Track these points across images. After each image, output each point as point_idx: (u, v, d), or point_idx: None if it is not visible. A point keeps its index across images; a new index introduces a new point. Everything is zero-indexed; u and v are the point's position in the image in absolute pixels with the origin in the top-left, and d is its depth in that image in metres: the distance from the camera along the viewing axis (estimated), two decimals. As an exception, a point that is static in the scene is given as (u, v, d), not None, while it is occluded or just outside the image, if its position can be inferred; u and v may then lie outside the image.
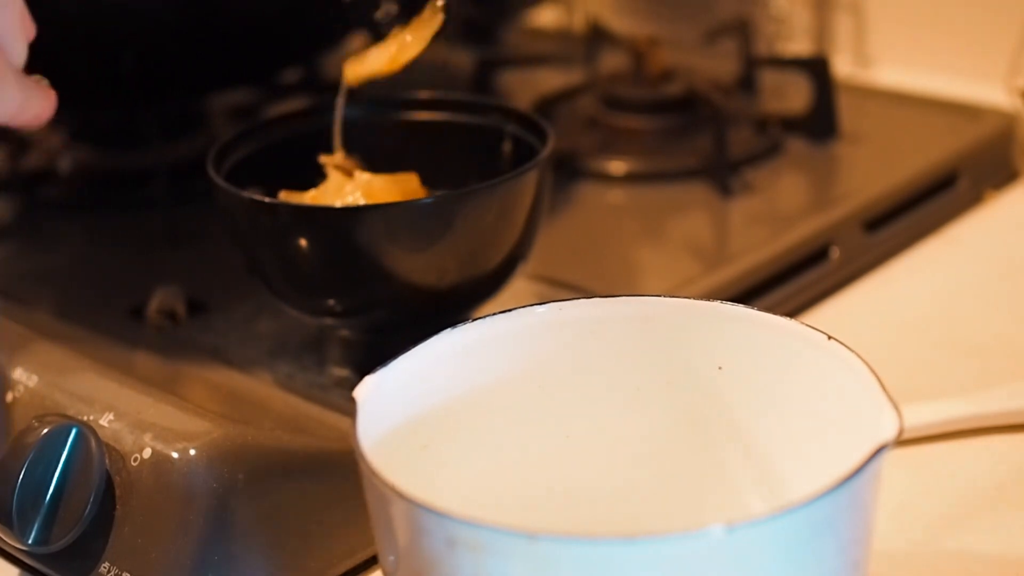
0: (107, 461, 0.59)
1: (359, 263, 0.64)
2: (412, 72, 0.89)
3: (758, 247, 0.79)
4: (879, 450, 0.46)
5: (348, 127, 0.73)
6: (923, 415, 0.67)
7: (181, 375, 0.71)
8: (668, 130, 0.93)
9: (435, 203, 0.65)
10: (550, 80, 1.00)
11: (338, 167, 0.69)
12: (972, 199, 0.89)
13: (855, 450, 0.47)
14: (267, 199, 0.66)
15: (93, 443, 0.59)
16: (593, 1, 1.13)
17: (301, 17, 0.84)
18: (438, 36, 0.68)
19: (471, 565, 0.45)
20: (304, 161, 0.70)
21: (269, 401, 0.68)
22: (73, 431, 0.59)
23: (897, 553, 0.60)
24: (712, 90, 0.93)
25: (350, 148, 0.71)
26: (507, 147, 0.71)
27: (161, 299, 0.74)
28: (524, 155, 0.69)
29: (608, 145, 0.92)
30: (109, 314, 0.75)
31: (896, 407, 0.48)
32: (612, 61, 1.00)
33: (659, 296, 0.57)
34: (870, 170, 0.89)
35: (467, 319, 0.57)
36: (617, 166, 0.90)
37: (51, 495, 0.58)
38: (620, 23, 1.11)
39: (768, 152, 0.90)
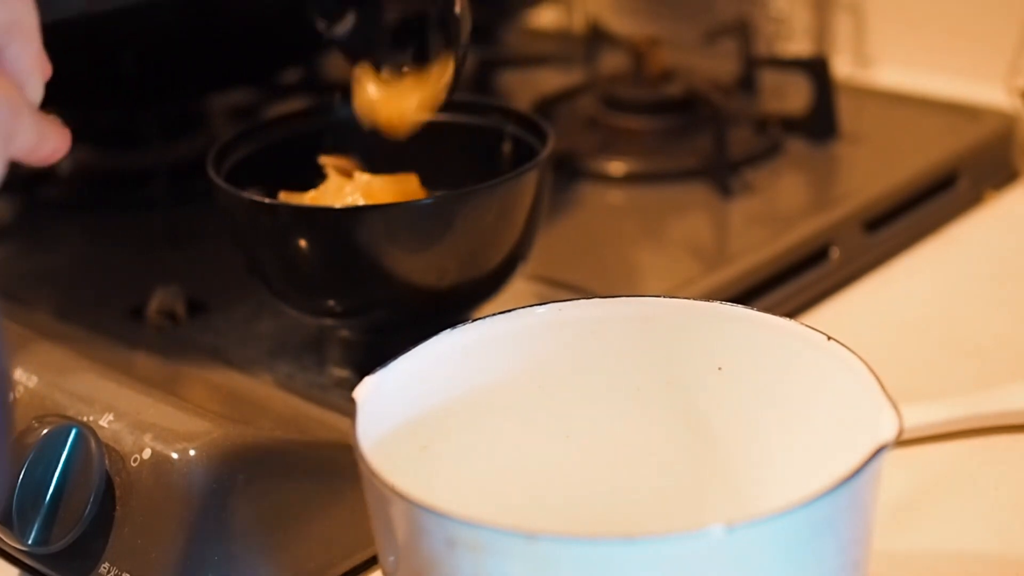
0: (107, 461, 0.59)
1: (359, 263, 0.64)
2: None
3: (758, 247, 0.79)
4: (879, 450, 0.46)
5: (348, 127, 0.73)
6: (923, 415, 0.67)
7: (181, 375, 0.71)
8: (668, 130, 0.93)
9: (435, 203, 0.65)
10: (550, 80, 1.00)
11: (338, 168, 0.69)
12: (972, 199, 0.89)
13: (855, 450, 0.47)
14: (267, 199, 0.66)
15: (93, 443, 0.59)
16: (593, 1, 1.13)
17: (301, 17, 0.84)
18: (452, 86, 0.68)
19: (471, 565, 0.45)
20: (304, 161, 0.70)
21: (269, 401, 0.68)
22: (73, 431, 0.59)
23: (897, 553, 0.60)
24: (712, 90, 0.93)
25: (350, 148, 0.71)
26: (507, 147, 0.71)
27: (161, 299, 0.74)
28: (524, 155, 0.69)
29: (608, 145, 0.92)
30: (109, 314, 0.75)
31: (896, 407, 0.48)
32: (612, 61, 1.00)
33: (659, 296, 0.57)
34: (870, 170, 0.89)
35: (467, 319, 0.57)
36: (617, 166, 0.90)
37: (51, 495, 0.58)
38: (620, 23, 1.11)
39: (768, 152, 0.90)
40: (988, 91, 0.95)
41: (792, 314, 0.77)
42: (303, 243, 0.65)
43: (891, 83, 1.02)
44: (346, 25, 0.70)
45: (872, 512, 0.48)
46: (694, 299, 0.56)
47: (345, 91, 0.96)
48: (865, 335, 0.67)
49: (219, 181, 0.66)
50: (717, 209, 0.86)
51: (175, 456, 0.58)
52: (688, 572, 0.44)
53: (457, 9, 0.66)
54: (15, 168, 0.93)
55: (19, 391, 0.63)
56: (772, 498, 0.55)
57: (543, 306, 0.57)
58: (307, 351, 0.71)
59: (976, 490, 0.64)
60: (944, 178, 0.88)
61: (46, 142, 0.55)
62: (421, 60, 0.68)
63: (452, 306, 0.67)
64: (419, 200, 0.65)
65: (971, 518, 0.62)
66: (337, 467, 0.60)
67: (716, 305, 0.56)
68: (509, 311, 0.57)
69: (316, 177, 0.69)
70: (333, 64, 1.01)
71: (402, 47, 0.69)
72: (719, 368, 0.56)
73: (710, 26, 1.03)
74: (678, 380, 0.57)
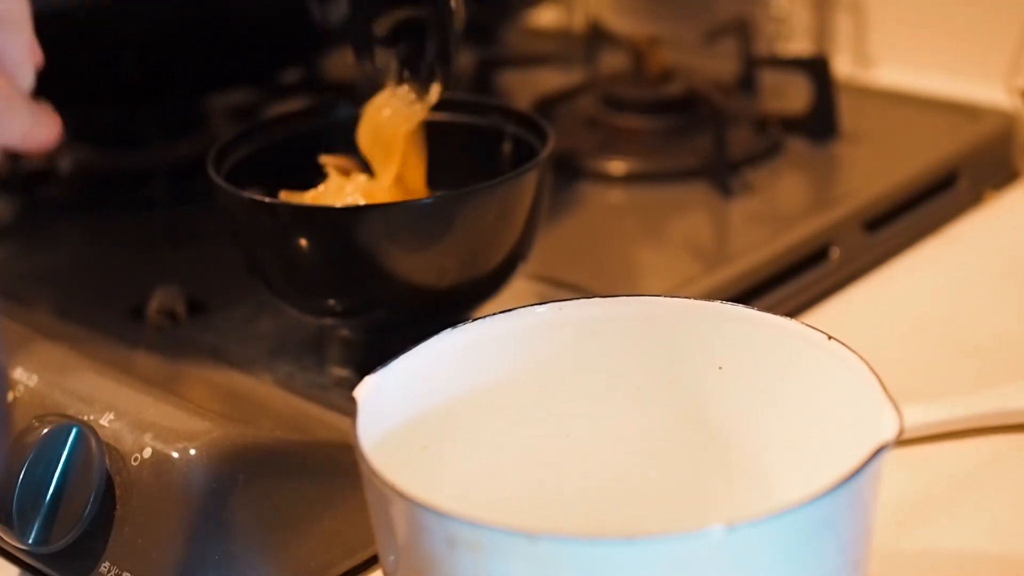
0: (107, 461, 0.59)
1: (359, 263, 0.64)
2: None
3: (758, 247, 0.79)
4: (879, 450, 0.46)
5: (348, 127, 0.73)
6: (923, 415, 0.67)
7: (181, 375, 0.71)
8: (668, 130, 0.93)
9: (435, 203, 0.65)
10: (550, 80, 1.00)
11: (338, 167, 0.69)
12: (972, 199, 0.89)
13: (855, 450, 0.47)
14: (267, 199, 0.66)
15: (93, 443, 0.59)
16: (593, 1, 1.13)
17: (301, 17, 0.84)
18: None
19: (471, 565, 0.45)
20: (304, 161, 0.70)
21: (269, 401, 0.67)
22: (73, 431, 0.59)
23: (897, 553, 0.60)
24: (712, 90, 0.93)
25: (350, 148, 0.71)
26: (507, 147, 0.71)
27: (161, 299, 0.74)
28: (524, 155, 0.69)
29: (608, 145, 0.92)
30: (109, 314, 0.75)
31: (896, 407, 0.48)
32: (612, 61, 1.00)
33: (659, 296, 0.57)
34: (870, 170, 0.89)
35: (467, 319, 0.57)
36: (617, 166, 0.90)
37: (51, 495, 0.58)
38: (620, 23, 1.11)
39: (768, 152, 0.90)
40: (988, 91, 0.95)
41: (792, 313, 0.77)
42: (303, 243, 0.65)
43: (891, 83, 1.02)
44: (340, 11, 0.70)
45: (872, 512, 0.48)
46: (694, 298, 0.56)
47: (345, 91, 0.96)
48: (865, 335, 0.67)
49: (219, 181, 0.66)
50: (717, 209, 0.86)
51: (175, 455, 0.58)
52: (688, 572, 0.44)
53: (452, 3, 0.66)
54: (15, 168, 0.94)
55: (19, 390, 0.63)
56: (772, 498, 0.55)
57: (543, 306, 0.57)
58: (307, 351, 0.71)
59: (976, 490, 0.64)
60: (944, 178, 0.88)
61: (38, 131, 0.55)
62: (418, 57, 0.68)
63: (452, 306, 0.67)
64: (419, 200, 0.65)
65: (971, 518, 0.62)
66: (337, 466, 0.60)
67: (716, 304, 0.56)
68: (509, 311, 0.57)
69: (316, 177, 0.69)
70: (333, 64, 1.01)
71: (399, 42, 0.69)
72: (719, 367, 0.56)
73: (710, 26, 1.03)
74: (679, 379, 0.57)
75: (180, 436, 0.59)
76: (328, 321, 0.69)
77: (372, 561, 0.61)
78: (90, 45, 0.81)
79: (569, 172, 0.89)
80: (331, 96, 0.94)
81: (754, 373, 0.55)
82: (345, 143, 0.71)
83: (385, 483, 0.47)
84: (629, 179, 0.89)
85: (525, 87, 1.00)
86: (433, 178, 0.69)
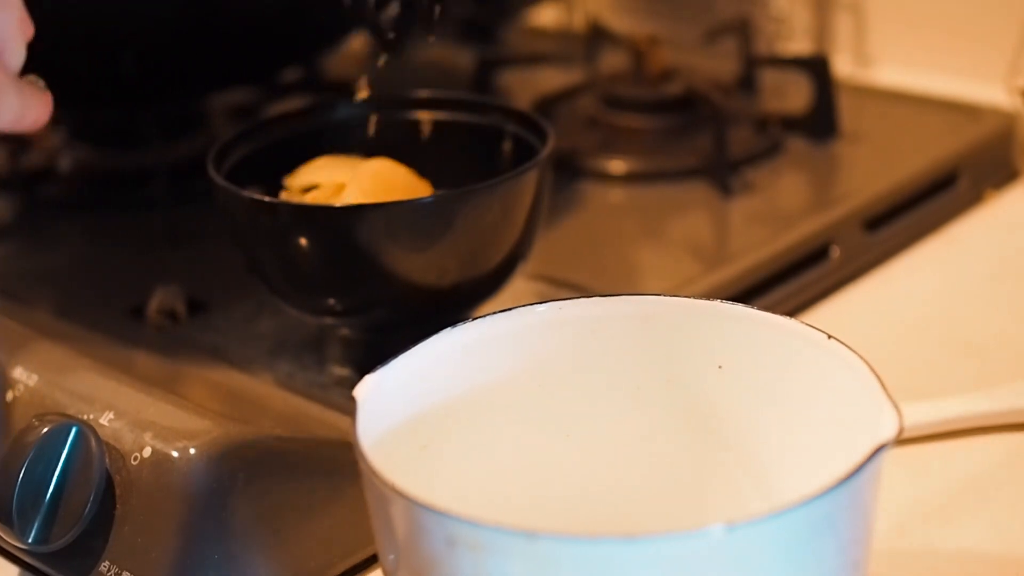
0: (107, 460, 0.59)
1: (359, 262, 0.64)
2: (413, 71, 0.89)
3: (758, 246, 0.79)
4: (879, 449, 0.46)
5: (348, 126, 0.73)
6: (923, 414, 0.67)
7: (181, 374, 0.71)
8: (668, 130, 0.93)
9: (435, 202, 0.65)
10: (550, 79, 1.00)
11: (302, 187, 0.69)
12: (972, 199, 0.89)
13: (855, 449, 0.47)
14: (267, 198, 0.66)
15: (93, 442, 0.59)
16: (593, 0, 1.13)
17: (301, 17, 0.84)
18: None
19: (471, 564, 0.45)
20: (304, 161, 0.70)
21: (269, 400, 0.68)
22: (73, 430, 0.59)
23: (897, 553, 0.60)
24: (712, 90, 0.93)
25: (350, 148, 0.71)
26: (507, 146, 0.71)
27: (161, 298, 0.74)
28: (524, 154, 0.69)
29: (608, 144, 0.92)
30: (109, 313, 0.75)
31: (896, 406, 0.48)
32: (612, 60, 1.00)
33: (659, 295, 0.57)
34: (870, 170, 0.89)
35: (467, 318, 0.56)
36: (617, 165, 0.90)
37: (51, 494, 0.58)
38: (620, 22, 1.11)
39: (768, 152, 0.90)
40: (988, 90, 0.95)
41: (792, 313, 0.77)
42: (303, 242, 0.65)
43: (891, 82, 1.02)
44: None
45: (872, 511, 0.48)
46: (694, 298, 0.56)
47: (345, 91, 0.97)
48: (865, 334, 0.67)
49: (219, 180, 0.66)
50: (717, 208, 0.86)
51: (175, 455, 0.58)
52: (688, 571, 0.44)
53: None
54: (15, 167, 0.94)
55: (19, 390, 0.63)
56: (772, 497, 0.55)
57: (543, 305, 0.57)
58: (307, 350, 0.71)
59: (976, 490, 0.64)
60: (944, 177, 0.88)
61: (29, 112, 0.54)
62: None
63: (452, 305, 0.67)
64: (419, 199, 0.65)
65: (971, 518, 0.62)
66: (337, 466, 0.60)
67: (716, 304, 0.56)
68: (509, 310, 0.57)
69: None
70: (333, 64, 1.01)
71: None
72: (719, 367, 0.56)
73: (710, 25, 1.03)
74: (678, 378, 0.57)
75: (180, 435, 0.59)
76: (328, 320, 0.69)
77: (372, 560, 0.61)
78: (90, 45, 0.81)
79: (569, 171, 0.89)
80: (331, 96, 0.93)
81: (754, 372, 0.55)
82: (345, 143, 0.71)
83: (385, 482, 0.47)
84: (629, 178, 0.89)
85: (525, 86, 1.00)
86: (433, 177, 0.69)
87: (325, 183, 0.68)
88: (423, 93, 0.75)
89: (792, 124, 0.93)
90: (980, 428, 0.67)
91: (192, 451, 0.58)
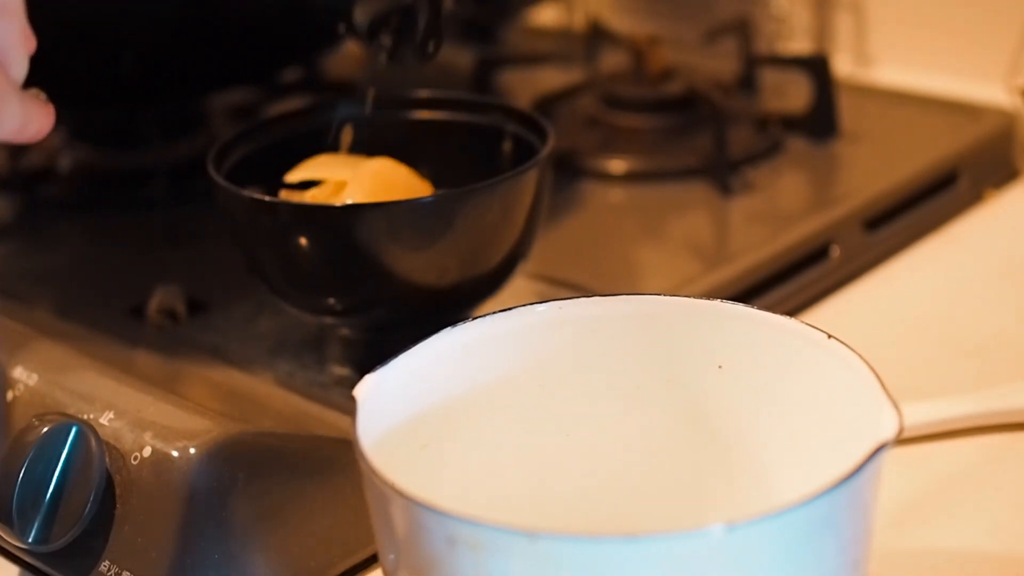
0: (107, 460, 0.59)
1: (359, 262, 0.64)
2: (413, 71, 0.89)
3: (758, 246, 0.79)
4: (879, 449, 0.46)
5: (348, 126, 0.73)
6: (923, 414, 0.67)
7: (181, 374, 0.71)
8: (668, 129, 0.93)
9: (436, 202, 0.65)
10: (550, 79, 1.00)
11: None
12: (972, 198, 0.89)
13: (855, 449, 0.47)
14: (267, 198, 0.66)
15: (93, 442, 0.59)
16: (593, 0, 1.13)
17: (301, 17, 0.84)
18: None
19: (471, 564, 0.45)
20: (304, 160, 0.70)
21: (269, 400, 0.68)
22: (73, 430, 0.59)
23: (897, 553, 0.60)
24: (712, 89, 0.93)
25: (350, 147, 0.71)
26: (507, 146, 0.71)
27: (161, 298, 0.74)
28: (524, 154, 0.69)
29: (608, 144, 0.92)
30: (109, 313, 0.75)
31: (896, 406, 0.48)
32: (612, 60, 1.00)
33: (659, 295, 0.57)
34: (870, 169, 0.89)
35: (467, 318, 0.56)
36: (617, 165, 0.90)
37: (51, 494, 0.58)
38: (620, 22, 1.11)
39: (768, 151, 0.90)
40: (988, 90, 0.95)
41: (792, 312, 0.77)
42: (303, 241, 0.65)
43: (891, 82, 1.02)
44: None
45: (872, 511, 0.48)
46: (694, 297, 0.56)
47: (345, 90, 0.96)
48: (865, 333, 0.67)
49: (219, 180, 0.66)
50: (717, 208, 0.86)
51: (175, 454, 0.58)
52: (688, 571, 0.44)
53: None
54: (15, 167, 0.94)
55: (19, 389, 0.63)
56: (772, 497, 0.55)
57: (543, 304, 0.57)
58: (307, 349, 0.71)
59: (976, 489, 0.64)
60: (944, 177, 0.88)
61: (31, 122, 0.54)
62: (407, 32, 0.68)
63: (452, 304, 0.67)
64: (420, 198, 0.65)
65: (971, 518, 0.62)
66: (337, 465, 0.60)
67: (716, 303, 0.56)
68: (509, 309, 0.57)
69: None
70: (333, 64, 1.01)
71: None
72: (719, 366, 0.56)
73: (710, 25, 1.03)
74: (678, 378, 0.57)
75: (180, 435, 0.59)
76: (328, 320, 0.69)
77: (372, 560, 0.61)
78: (90, 45, 0.81)
79: (569, 171, 0.89)
80: (331, 96, 0.94)
81: (754, 372, 0.55)
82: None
83: (385, 482, 0.47)
84: (629, 178, 0.89)
85: (525, 86, 1.00)
86: (434, 177, 0.69)
87: (326, 181, 0.68)
88: (423, 93, 0.75)
89: (792, 124, 0.93)
90: (980, 428, 0.67)
91: (192, 451, 0.58)
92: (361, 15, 0.68)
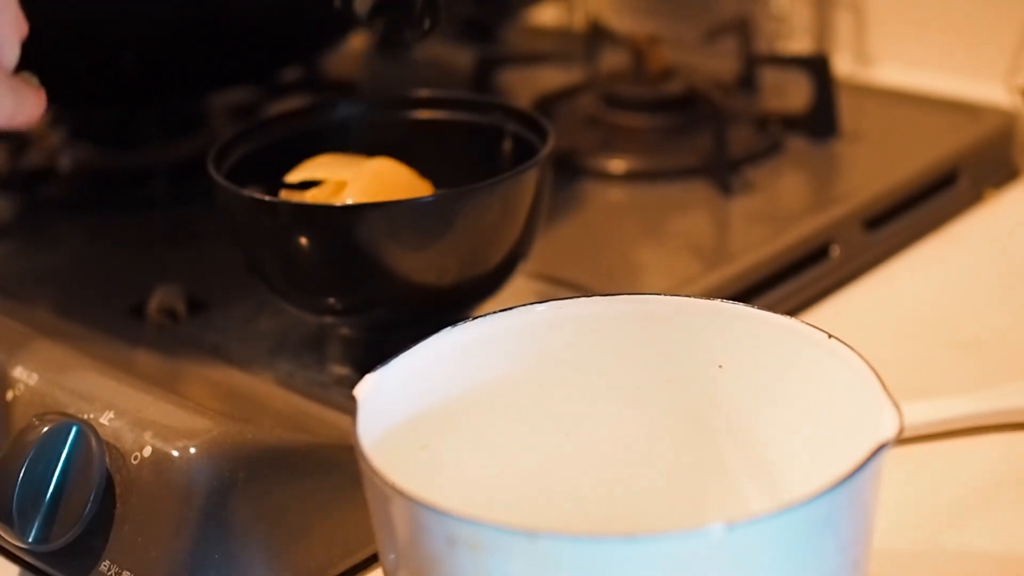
0: (107, 459, 0.59)
1: (359, 261, 0.64)
2: (413, 71, 0.89)
3: (758, 246, 0.79)
4: (879, 448, 0.46)
5: (349, 125, 0.73)
6: (923, 413, 0.67)
7: (181, 373, 0.71)
8: (668, 128, 0.93)
9: (436, 201, 0.65)
10: (550, 78, 1.00)
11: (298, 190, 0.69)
12: (972, 198, 0.89)
13: (855, 448, 0.47)
14: (267, 198, 0.66)
15: (93, 441, 0.59)
16: (593, 0, 1.13)
17: (301, 17, 0.84)
18: None
19: (471, 564, 0.45)
20: (304, 160, 0.70)
21: (269, 399, 0.68)
22: (73, 429, 0.59)
23: (897, 552, 0.60)
24: (712, 88, 0.93)
25: (351, 147, 0.71)
26: (507, 145, 0.71)
27: (161, 298, 0.74)
28: (524, 153, 0.69)
29: (608, 143, 0.92)
30: (109, 313, 0.75)
31: (896, 405, 0.48)
32: (612, 59, 1.00)
33: (659, 294, 0.57)
34: (870, 168, 0.89)
35: (467, 317, 0.56)
36: (617, 164, 0.90)
37: (51, 493, 0.58)
38: (620, 21, 1.11)
39: (768, 151, 0.90)
40: (988, 89, 0.95)
41: (793, 312, 0.77)
42: (303, 241, 0.65)
43: (892, 81, 1.02)
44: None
45: (872, 511, 0.48)
46: (695, 297, 0.56)
47: (345, 90, 0.96)
48: (866, 333, 0.67)
49: (219, 179, 0.66)
50: (718, 207, 0.86)
51: (175, 454, 0.58)
52: (688, 571, 0.44)
53: None
54: (15, 167, 0.94)
55: (19, 389, 0.63)
56: (772, 496, 0.55)
57: (543, 304, 0.57)
58: (307, 349, 0.71)
59: (976, 489, 0.64)
60: (944, 176, 0.88)
61: (23, 109, 0.54)
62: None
63: (453, 304, 0.67)
64: (420, 198, 0.65)
65: (972, 517, 0.62)
66: (337, 465, 0.60)
67: (717, 303, 0.56)
68: (509, 309, 0.57)
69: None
70: (333, 63, 1.01)
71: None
72: (720, 366, 0.56)
73: (710, 24, 1.03)
74: (678, 378, 0.57)
75: (180, 434, 0.59)
76: (328, 319, 0.69)
77: (372, 560, 0.61)
78: (90, 45, 0.81)
79: (569, 170, 0.89)
80: (331, 95, 0.94)
81: (754, 372, 0.55)
82: (345, 142, 0.71)
83: (385, 482, 0.47)
84: (629, 177, 0.89)
85: (525, 85, 1.00)
86: (434, 176, 0.69)
87: (326, 181, 0.68)
88: (423, 93, 0.75)
89: (792, 123, 0.93)
90: (980, 428, 0.67)
91: (192, 450, 0.58)
92: None
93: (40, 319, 0.75)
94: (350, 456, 0.49)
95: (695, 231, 0.85)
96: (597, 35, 1.02)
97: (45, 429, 0.58)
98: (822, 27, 1.08)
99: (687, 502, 0.57)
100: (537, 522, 0.48)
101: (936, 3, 1.03)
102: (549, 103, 0.95)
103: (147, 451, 0.59)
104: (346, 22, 0.89)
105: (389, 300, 0.66)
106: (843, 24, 1.08)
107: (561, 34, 1.14)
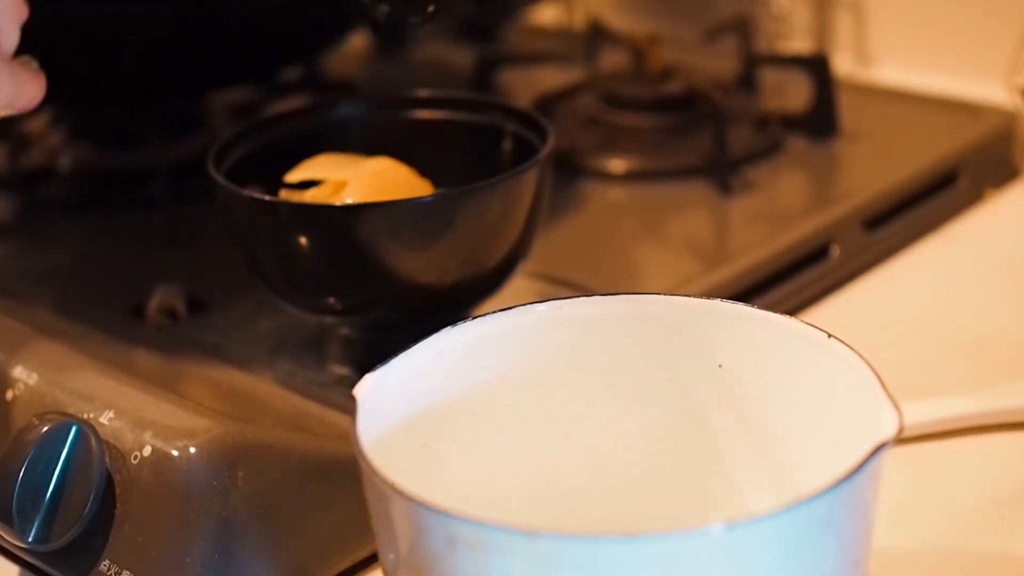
0: (107, 459, 0.59)
1: (359, 261, 0.64)
2: (413, 71, 0.89)
3: (758, 245, 0.79)
4: (879, 448, 0.46)
5: (349, 125, 0.73)
6: (923, 413, 0.67)
7: (181, 373, 0.71)
8: (668, 128, 0.93)
9: (436, 201, 0.65)
10: (550, 78, 1.00)
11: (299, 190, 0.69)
12: (972, 197, 0.89)
13: (855, 448, 0.47)
14: (267, 197, 0.66)
15: (93, 441, 0.59)
16: (593, 0, 1.13)
17: (301, 17, 0.84)
18: None
19: (471, 563, 0.45)
20: (304, 160, 0.70)
21: (269, 399, 0.68)
22: (73, 429, 0.59)
23: (897, 552, 0.60)
24: (712, 88, 0.93)
25: (351, 147, 0.71)
26: (507, 145, 0.71)
27: (161, 298, 0.74)
28: (524, 153, 0.69)
29: (608, 143, 0.92)
30: (109, 312, 0.75)
31: (896, 405, 0.48)
32: (612, 59, 1.00)
33: (659, 294, 0.57)
34: (870, 168, 0.89)
35: (467, 317, 0.57)
36: (617, 164, 0.90)
37: (51, 493, 0.58)
38: (620, 21, 1.11)
39: (768, 150, 0.90)
40: (989, 89, 0.95)
41: (792, 312, 0.76)
42: (303, 241, 0.65)
43: (892, 81, 1.02)
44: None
45: (872, 510, 0.48)
46: (694, 297, 0.56)
47: (345, 89, 0.96)
48: (865, 333, 0.67)
49: (219, 179, 0.66)
50: (717, 207, 0.86)
51: (175, 453, 0.58)
52: (688, 571, 0.44)
53: None
54: (15, 167, 0.94)
55: (19, 388, 0.63)
56: (772, 496, 0.55)
57: (543, 304, 0.57)
58: (307, 349, 0.71)
59: (976, 488, 0.64)
60: (944, 176, 0.88)
61: (23, 93, 0.54)
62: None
63: (452, 304, 0.67)
64: (420, 198, 0.65)
65: (971, 518, 0.62)
66: (337, 465, 0.60)
67: (716, 303, 0.56)
68: (509, 309, 0.57)
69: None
70: (333, 63, 1.01)
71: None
72: (719, 366, 0.56)
73: (710, 24, 1.03)
74: (678, 378, 0.57)
75: (180, 434, 0.59)
76: (328, 319, 0.69)
77: (372, 559, 0.61)
78: (90, 45, 0.81)
79: (569, 170, 0.89)
80: (331, 95, 0.94)
81: (754, 371, 0.55)
82: (345, 141, 0.71)
83: (385, 481, 0.47)
84: (629, 177, 0.89)
85: (525, 85, 1.00)
86: (434, 176, 0.69)
87: (326, 181, 0.68)
88: (423, 92, 0.75)
89: (792, 123, 0.93)
90: (980, 428, 0.67)
91: (192, 450, 0.58)
92: None
93: (40, 319, 0.75)
94: (350, 456, 0.49)
95: (695, 231, 0.85)
96: (597, 35, 1.02)
97: (45, 429, 0.58)
98: (822, 27, 1.08)
99: (687, 502, 0.57)
100: (537, 522, 0.48)
101: (936, 3, 1.04)
102: (549, 103, 0.95)
103: (147, 451, 0.59)
104: (346, 21, 0.89)
105: (389, 300, 0.66)
106: (843, 24, 1.08)
107: (561, 34, 1.14)
